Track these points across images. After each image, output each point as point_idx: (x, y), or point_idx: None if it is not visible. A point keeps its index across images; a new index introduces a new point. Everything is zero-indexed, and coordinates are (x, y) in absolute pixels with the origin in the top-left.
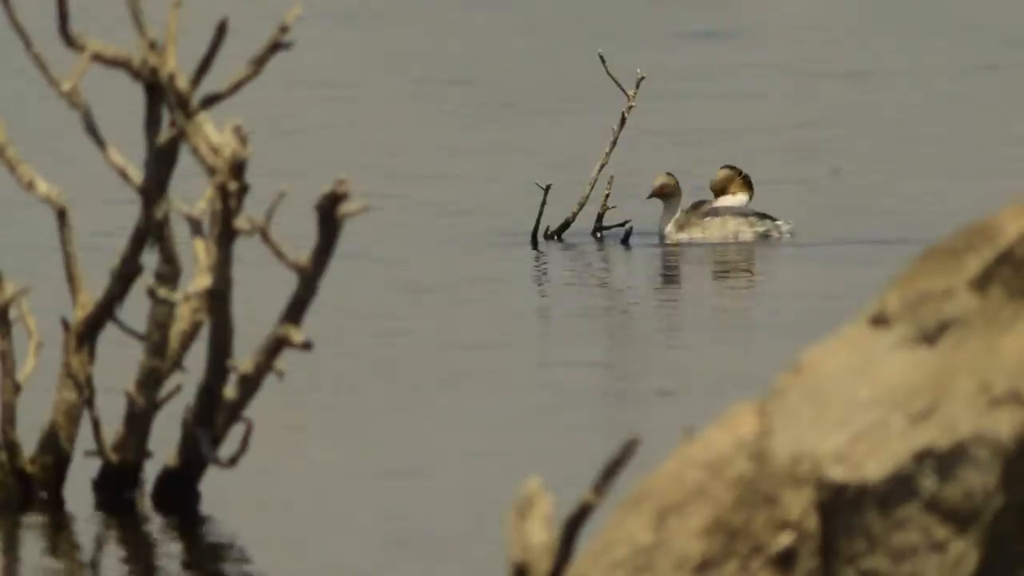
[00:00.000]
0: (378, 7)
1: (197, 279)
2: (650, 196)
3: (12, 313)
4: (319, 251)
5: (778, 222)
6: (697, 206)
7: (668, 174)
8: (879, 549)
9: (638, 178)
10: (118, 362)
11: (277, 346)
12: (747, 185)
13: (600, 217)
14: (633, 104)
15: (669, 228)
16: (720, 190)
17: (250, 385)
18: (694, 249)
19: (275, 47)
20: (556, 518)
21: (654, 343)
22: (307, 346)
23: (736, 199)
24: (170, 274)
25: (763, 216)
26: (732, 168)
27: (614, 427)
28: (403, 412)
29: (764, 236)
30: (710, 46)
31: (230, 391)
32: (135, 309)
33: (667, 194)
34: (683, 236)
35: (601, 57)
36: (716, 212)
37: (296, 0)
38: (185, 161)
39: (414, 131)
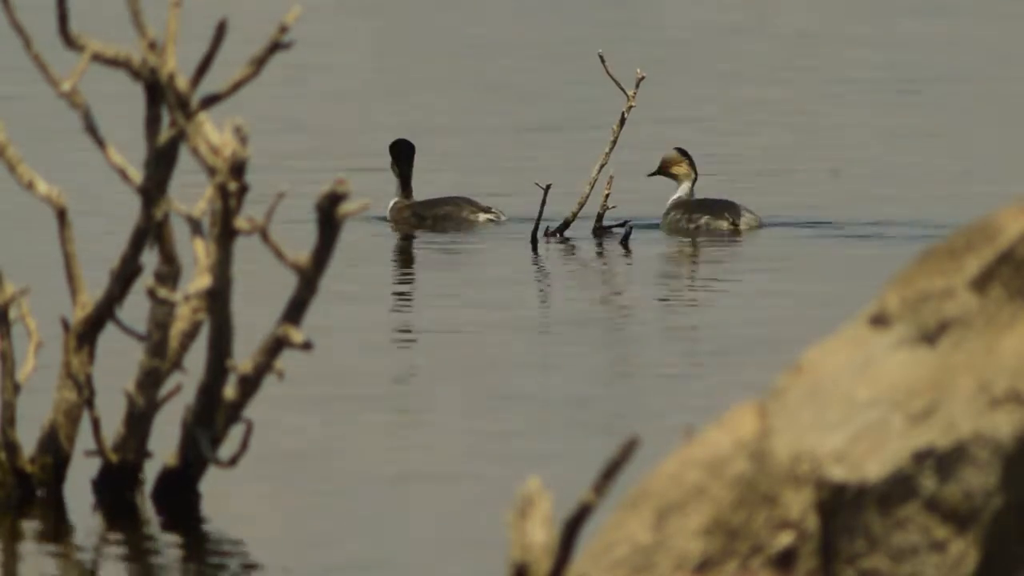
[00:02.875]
0: (384, 4)
1: (197, 279)
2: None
3: (12, 313)
4: (319, 251)
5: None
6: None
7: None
8: (879, 549)
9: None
10: (118, 362)
11: (277, 346)
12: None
13: (600, 217)
14: (633, 104)
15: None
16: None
17: (250, 385)
18: (694, 246)
19: (275, 47)
20: (556, 518)
21: (654, 343)
22: (307, 346)
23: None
24: (170, 274)
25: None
26: (680, 151)
27: (614, 427)
28: (402, 411)
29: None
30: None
31: (230, 391)
32: (135, 309)
33: (675, 173)
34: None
35: (601, 57)
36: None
37: (296, 0)
38: (185, 161)
39: (415, 127)
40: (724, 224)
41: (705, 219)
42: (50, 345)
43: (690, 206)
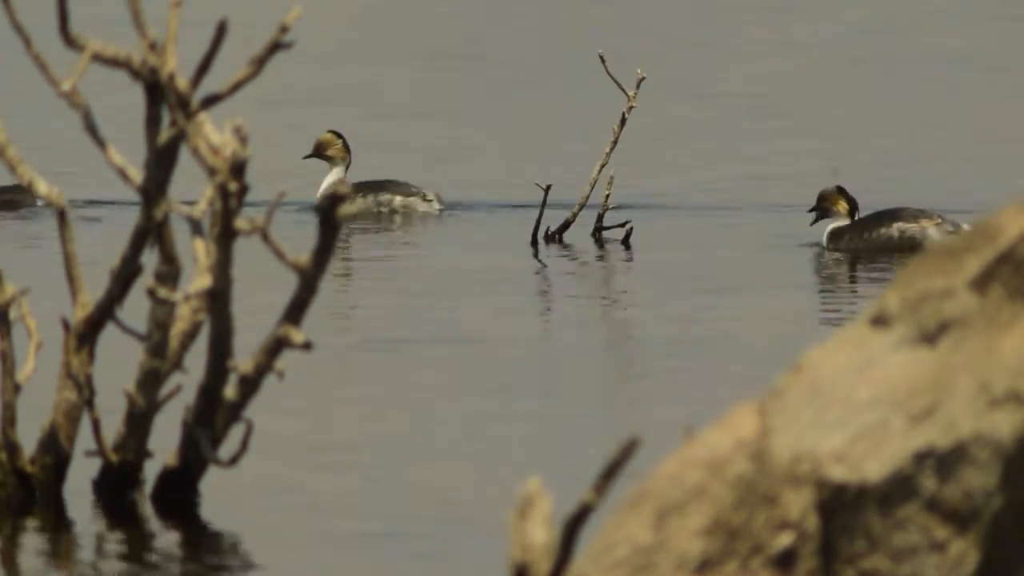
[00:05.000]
0: (380, 8)
1: (197, 279)
2: (309, 156)
3: (12, 313)
4: (319, 251)
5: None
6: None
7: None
8: (879, 549)
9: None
10: (118, 362)
11: (277, 346)
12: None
13: (600, 217)
14: (633, 104)
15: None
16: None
17: (250, 385)
18: (695, 246)
19: (275, 47)
20: (556, 518)
21: (655, 342)
22: (307, 346)
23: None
24: (170, 274)
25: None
26: (334, 133)
27: (614, 427)
28: (403, 411)
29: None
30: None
31: (230, 391)
32: (135, 309)
33: (331, 155)
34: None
35: (601, 57)
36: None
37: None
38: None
39: (415, 126)
40: (419, 202)
41: (399, 199)
42: (50, 345)
43: (369, 187)
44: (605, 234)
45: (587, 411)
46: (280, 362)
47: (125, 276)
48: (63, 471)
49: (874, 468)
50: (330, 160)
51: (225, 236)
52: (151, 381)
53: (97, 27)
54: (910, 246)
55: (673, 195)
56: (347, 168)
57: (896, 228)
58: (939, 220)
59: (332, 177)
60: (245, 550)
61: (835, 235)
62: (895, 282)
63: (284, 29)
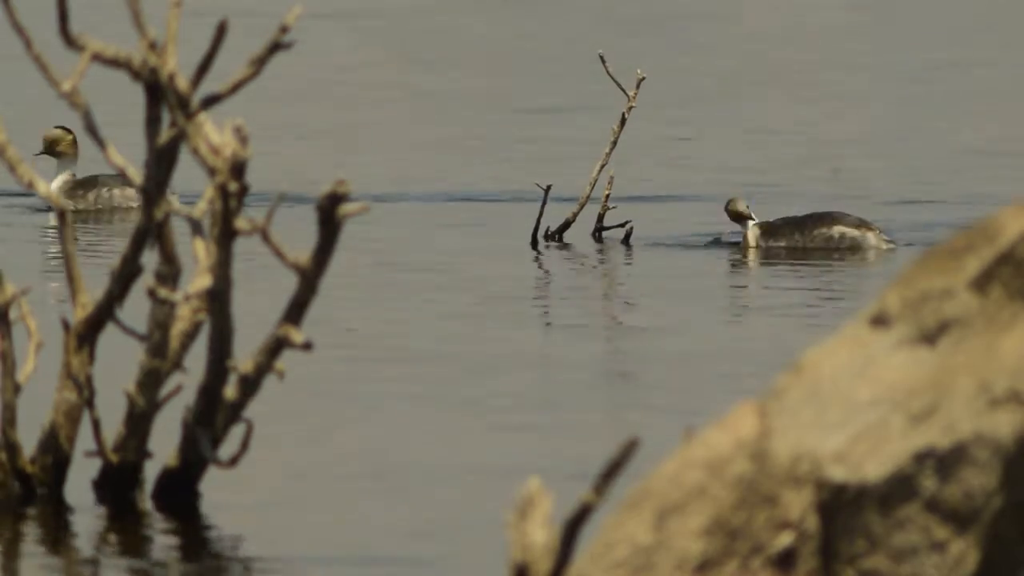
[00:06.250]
0: (379, 7)
1: (197, 279)
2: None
3: (12, 313)
4: (319, 251)
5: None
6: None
7: (62, 128)
8: (879, 549)
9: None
10: (118, 362)
11: (277, 346)
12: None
13: (600, 217)
14: (633, 104)
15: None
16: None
17: (250, 385)
18: (691, 247)
19: (275, 47)
20: (556, 518)
21: (654, 343)
22: (307, 346)
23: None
24: (170, 274)
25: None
26: (63, 128)
27: (614, 427)
28: (403, 411)
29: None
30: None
31: (230, 391)
32: (135, 309)
33: (61, 151)
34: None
35: (601, 57)
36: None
37: (296, 0)
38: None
39: (415, 126)
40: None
41: (117, 192)
42: (50, 345)
43: (93, 183)
44: (605, 234)
45: (587, 411)
46: (280, 363)
47: (125, 276)
48: (63, 471)
49: (874, 468)
50: (60, 156)
51: (225, 236)
52: (151, 381)
53: (96, 27)
54: (836, 247)
55: (675, 192)
56: (74, 163)
57: (836, 230)
58: (877, 229)
59: (63, 174)
60: (245, 550)
61: (766, 232)
62: (895, 282)
63: (284, 29)
